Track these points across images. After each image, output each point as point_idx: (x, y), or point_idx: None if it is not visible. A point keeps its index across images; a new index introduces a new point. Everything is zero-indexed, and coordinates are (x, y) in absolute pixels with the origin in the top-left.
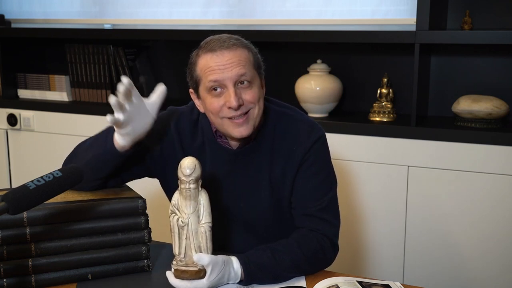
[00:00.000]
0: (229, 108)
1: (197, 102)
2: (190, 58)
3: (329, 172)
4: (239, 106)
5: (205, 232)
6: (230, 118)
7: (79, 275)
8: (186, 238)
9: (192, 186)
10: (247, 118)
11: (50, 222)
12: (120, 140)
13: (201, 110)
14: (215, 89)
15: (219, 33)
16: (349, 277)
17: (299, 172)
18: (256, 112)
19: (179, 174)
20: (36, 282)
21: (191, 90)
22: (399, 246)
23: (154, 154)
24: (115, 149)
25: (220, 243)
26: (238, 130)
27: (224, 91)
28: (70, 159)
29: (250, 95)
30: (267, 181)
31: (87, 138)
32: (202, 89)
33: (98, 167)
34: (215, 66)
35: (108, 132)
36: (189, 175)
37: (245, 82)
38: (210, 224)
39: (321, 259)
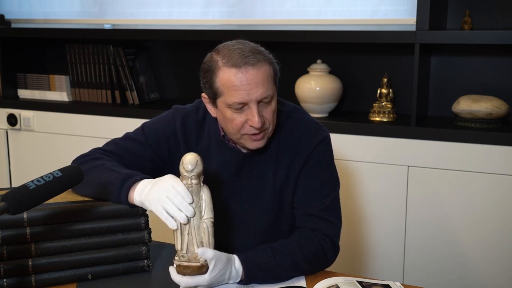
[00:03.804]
0: (251, 126)
1: (209, 106)
2: (206, 62)
3: (332, 173)
4: (262, 125)
5: (207, 227)
6: (249, 134)
7: (79, 275)
8: (188, 234)
9: (194, 181)
10: (265, 134)
11: (50, 222)
12: (137, 202)
13: (213, 115)
14: (238, 108)
15: (219, 33)
16: (349, 277)
17: (302, 172)
18: (271, 128)
19: (181, 169)
20: (36, 282)
21: (204, 95)
22: (399, 246)
23: (163, 155)
24: (126, 201)
25: (222, 242)
26: (255, 143)
27: (246, 108)
28: (83, 164)
29: (269, 112)
30: (272, 182)
31: (105, 154)
32: (221, 102)
33: (104, 198)
34: (240, 85)
35: (128, 179)
36: (191, 171)
37: (267, 100)
38: (212, 220)
39: (321, 259)
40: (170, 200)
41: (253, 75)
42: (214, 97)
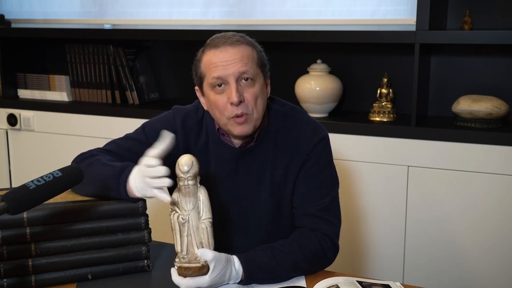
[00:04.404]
0: (231, 104)
1: (202, 100)
2: (196, 55)
3: (331, 172)
4: (240, 102)
5: (206, 228)
6: (232, 117)
7: (79, 275)
8: (187, 235)
9: (190, 182)
10: (247, 118)
11: (50, 222)
12: (136, 194)
13: (205, 107)
14: (219, 85)
15: (218, 33)
16: (349, 277)
17: (301, 171)
18: (255, 115)
19: (177, 171)
20: (36, 282)
21: (196, 87)
22: (399, 246)
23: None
24: (126, 195)
25: (221, 242)
26: (239, 128)
27: (227, 88)
28: (80, 162)
29: (251, 93)
30: (269, 180)
31: (104, 152)
32: (206, 85)
33: (103, 194)
34: (218, 62)
35: (122, 172)
36: (187, 172)
37: (248, 80)
38: (211, 220)
39: (321, 259)
40: (150, 177)
41: (231, 53)
42: (200, 83)
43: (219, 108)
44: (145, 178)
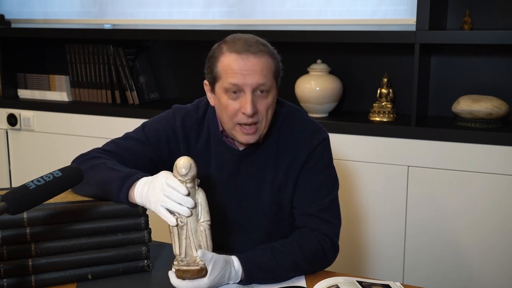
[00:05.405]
0: (243, 113)
1: (209, 94)
2: (212, 50)
3: (331, 173)
4: (253, 114)
5: (205, 230)
6: (241, 124)
7: (79, 275)
8: (185, 238)
9: (188, 185)
10: (256, 129)
11: (50, 222)
12: (139, 203)
13: (212, 103)
14: (234, 92)
15: (219, 33)
16: (349, 277)
17: (302, 172)
18: (264, 124)
19: (175, 174)
20: (36, 282)
21: (206, 82)
22: (399, 246)
23: (163, 154)
24: (126, 199)
25: (221, 242)
26: (245, 137)
27: (241, 95)
28: (82, 164)
29: (264, 105)
30: (270, 181)
31: (106, 154)
32: (219, 87)
33: (104, 197)
34: (238, 69)
35: (129, 178)
36: (185, 175)
37: (264, 91)
38: (209, 222)
39: (321, 259)
40: (168, 198)
41: (253, 63)
42: (213, 81)
43: (228, 113)
44: (163, 194)
